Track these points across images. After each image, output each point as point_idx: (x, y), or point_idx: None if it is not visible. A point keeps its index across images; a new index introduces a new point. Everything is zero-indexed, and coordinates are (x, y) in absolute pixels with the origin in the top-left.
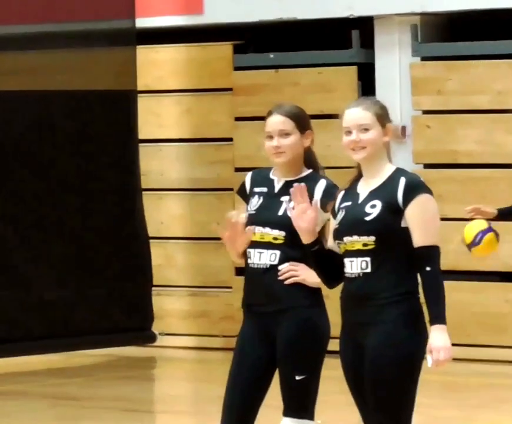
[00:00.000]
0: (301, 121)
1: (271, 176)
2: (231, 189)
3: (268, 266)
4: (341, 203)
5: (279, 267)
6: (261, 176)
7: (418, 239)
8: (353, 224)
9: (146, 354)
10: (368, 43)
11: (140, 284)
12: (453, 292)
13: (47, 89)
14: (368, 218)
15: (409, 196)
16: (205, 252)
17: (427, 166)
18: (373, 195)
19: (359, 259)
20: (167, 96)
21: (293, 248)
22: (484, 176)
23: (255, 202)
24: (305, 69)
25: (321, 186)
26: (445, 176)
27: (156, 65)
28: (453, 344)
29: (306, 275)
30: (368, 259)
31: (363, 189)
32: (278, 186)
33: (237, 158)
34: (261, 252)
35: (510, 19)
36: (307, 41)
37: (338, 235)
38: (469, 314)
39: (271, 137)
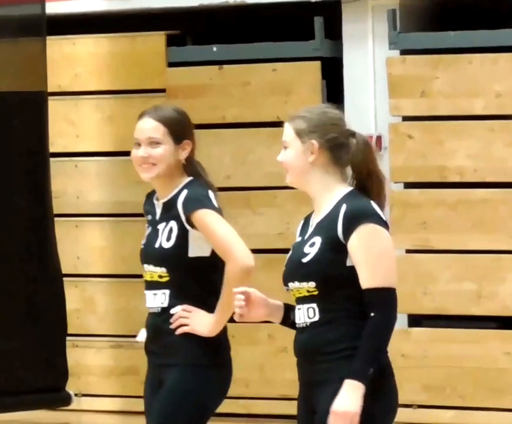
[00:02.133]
0: (177, 128)
1: (154, 199)
2: None
3: (159, 309)
4: (298, 237)
5: (172, 311)
6: (149, 201)
7: (364, 281)
8: (292, 268)
9: (60, 420)
10: (334, 33)
11: (52, 333)
12: (440, 343)
13: None
14: (305, 260)
15: (349, 227)
16: (132, 294)
17: (408, 185)
18: (316, 229)
19: (306, 306)
20: (85, 99)
21: (183, 285)
22: (479, 198)
23: (146, 234)
24: (256, 65)
25: (180, 200)
26: (431, 199)
27: (72, 61)
28: (443, 407)
29: (196, 323)
30: (314, 305)
31: (314, 220)
32: (158, 211)
33: None
34: (154, 294)
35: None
36: (259, 31)
37: (283, 280)
38: (462, 370)
39: (138, 145)
